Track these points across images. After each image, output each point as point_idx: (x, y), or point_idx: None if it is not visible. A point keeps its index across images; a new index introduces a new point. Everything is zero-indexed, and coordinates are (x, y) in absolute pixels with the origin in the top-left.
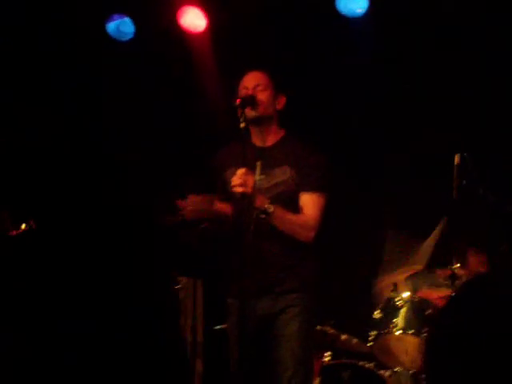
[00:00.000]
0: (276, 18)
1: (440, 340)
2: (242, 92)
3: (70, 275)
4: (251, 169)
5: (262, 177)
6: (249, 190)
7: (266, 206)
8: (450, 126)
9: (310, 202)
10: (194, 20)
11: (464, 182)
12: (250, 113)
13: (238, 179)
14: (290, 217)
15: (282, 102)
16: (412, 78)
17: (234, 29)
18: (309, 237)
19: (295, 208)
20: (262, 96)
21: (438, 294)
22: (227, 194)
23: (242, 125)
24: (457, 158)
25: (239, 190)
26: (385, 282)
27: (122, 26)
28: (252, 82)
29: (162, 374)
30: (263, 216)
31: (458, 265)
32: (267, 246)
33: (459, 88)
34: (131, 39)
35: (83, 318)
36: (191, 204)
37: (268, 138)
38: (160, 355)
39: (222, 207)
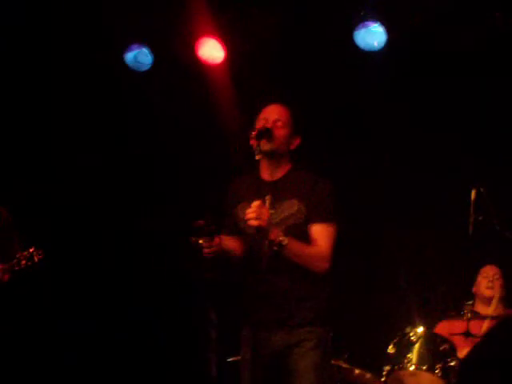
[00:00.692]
0: (294, 51)
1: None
2: (261, 123)
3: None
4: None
5: (272, 211)
6: (264, 223)
7: (280, 238)
8: (467, 159)
9: (321, 233)
10: (212, 51)
11: (480, 217)
12: (265, 145)
13: (253, 212)
14: (304, 249)
15: (296, 142)
16: (429, 110)
17: (252, 61)
18: (323, 268)
19: (306, 240)
20: (280, 132)
21: (452, 328)
22: (237, 229)
23: (258, 157)
24: (473, 194)
25: (254, 223)
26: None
27: (139, 57)
28: (273, 115)
29: None
30: (277, 249)
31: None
32: (280, 280)
33: (477, 118)
34: (149, 70)
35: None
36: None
37: (277, 172)
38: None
39: (229, 243)
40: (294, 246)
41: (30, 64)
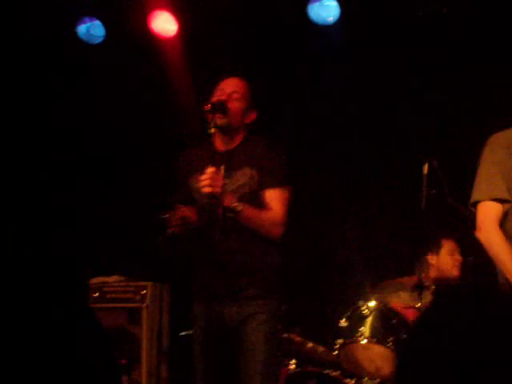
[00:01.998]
0: (248, 23)
1: (412, 356)
2: (217, 94)
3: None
4: None
5: (226, 180)
6: (217, 189)
7: (234, 204)
8: (419, 133)
9: (275, 198)
10: (164, 24)
11: (433, 191)
12: (219, 119)
13: (207, 179)
14: (259, 214)
15: (251, 117)
16: (382, 84)
17: (205, 34)
18: (277, 233)
19: (260, 207)
20: (235, 105)
21: (406, 301)
22: (191, 200)
23: (212, 130)
24: (425, 167)
25: (208, 190)
26: None
27: (92, 29)
28: (230, 87)
29: None
30: (231, 215)
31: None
32: (232, 252)
33: (428, 94)
34: (101, 43)
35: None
36: (181, 215)
37: (230, 143)
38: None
39: (188, 212)
40: (249, 212)
41: None
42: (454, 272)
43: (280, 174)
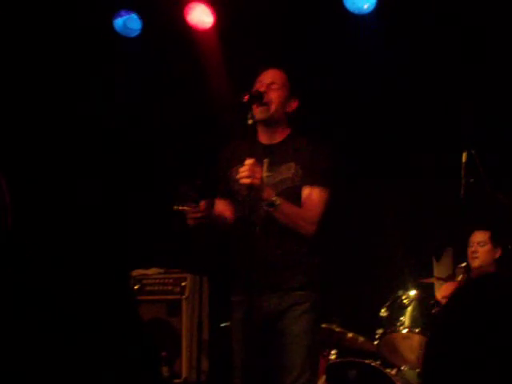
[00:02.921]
0: (283, 15)
1: (440, 340)
2: (256, 86)
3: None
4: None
5: (269, 174)
6: (256, 181)
7: (273, 198)
8: (458, 123)
9: (312, 196)
10: (201, 16)
11: (472, 180)
12: (259, 114)
13: (246, 170)
14: (295, 210)
15: (293, 105)
16: (420, 74)
17: (242, 26)
18: (310, 230)
19: (297, 203)
20: (274, 95)
21: (448, 291)
22: (230, 192)
23: (250, 122)
24: (464, 156)
25: (247, 181)
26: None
27: (129, 23)
28: (268, 78)
29: None
30: (270, 209)
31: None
32: (273, 243)
33: (467, 83)
34: (138, 36)
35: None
36: (198, 210)
37: (275, 136)
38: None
39: (221, 207)
40: (285, 207)
41: (21, 35)
42: (471, 262)
43: (323, 172)
